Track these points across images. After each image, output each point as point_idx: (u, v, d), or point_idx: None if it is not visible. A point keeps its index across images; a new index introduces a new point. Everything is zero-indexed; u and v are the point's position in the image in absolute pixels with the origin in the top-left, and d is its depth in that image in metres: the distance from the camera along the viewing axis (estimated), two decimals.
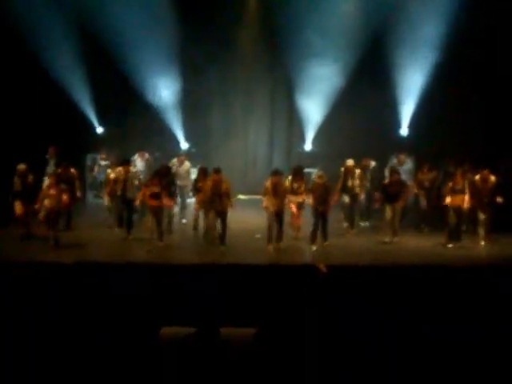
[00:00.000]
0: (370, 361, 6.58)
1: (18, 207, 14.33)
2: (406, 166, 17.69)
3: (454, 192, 14.26)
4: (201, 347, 6.50)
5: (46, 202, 13.59)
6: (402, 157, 17.74)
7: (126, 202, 14.67)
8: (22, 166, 14.52)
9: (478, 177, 14.68)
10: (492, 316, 8.09)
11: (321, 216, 14.11)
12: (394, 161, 18.17)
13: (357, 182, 15.75)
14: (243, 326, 7.14)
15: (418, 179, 16.24)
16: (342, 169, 15.80)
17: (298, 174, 14.70)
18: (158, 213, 13.90)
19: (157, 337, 6.87)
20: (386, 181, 15.23)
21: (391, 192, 14.67)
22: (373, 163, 17.13)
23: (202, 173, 14.91)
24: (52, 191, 13.66)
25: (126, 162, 15.16)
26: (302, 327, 7.00)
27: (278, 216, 13.94)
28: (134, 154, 18.26)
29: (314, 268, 9.94)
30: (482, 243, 14.57)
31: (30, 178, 14.56)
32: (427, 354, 6.79)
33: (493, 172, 14.78)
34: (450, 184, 14.39)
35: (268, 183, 13.91)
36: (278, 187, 13.83)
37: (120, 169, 14.88)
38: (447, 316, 8.08)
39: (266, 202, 13.86)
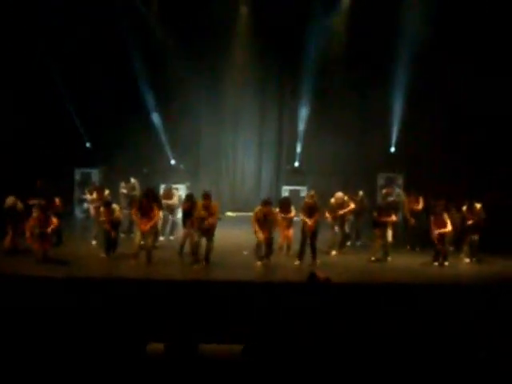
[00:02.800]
0: (366, 377, 6.56)
1: (7, 240, 14.48)
2: (391, 197, 17.76)
3: (435, 225, 14.47)
4: (183, 362, 6.48)
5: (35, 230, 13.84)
6: (388, 191, 17.92)
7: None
8: (9, 200, 14.56)
9: (464, 208, 15.00)
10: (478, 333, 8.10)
11: (309, 233, 14.13)
12: (383, 191, 18.42)
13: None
14: (230, 343, 7.12)
15: (408, 208, 16.39)
16: (333, 200, 15.76)
17: (284, 205, 14.76)
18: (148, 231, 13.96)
19: (143, 352, 6.83)
20: (375, 214, 15.26)
21: (381, 223, 14.87)
22: (361, 194, 16.99)
23: (190, 200, 14.75)
24: (39, 221, 13.92)
25: (108, 205, 15.04)
26: (290, 342, 6.98)
27: (267, 240, 13.98)
28: (122, 172, 18.36)
29: (312, 275, 9.89)
30: (467, 261, 14.84)
31: (19, 206, 14.68)
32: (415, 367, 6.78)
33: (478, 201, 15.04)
34: (432, 218, 14.63)
35: (259, 212, 13.93)
36: (267, 217, 13.88)
37: (102, 210, 14.81)
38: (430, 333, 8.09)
39: (256, 229, 13.91)
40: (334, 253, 15.52)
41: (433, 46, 19.31)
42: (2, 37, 19.18)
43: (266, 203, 14.05)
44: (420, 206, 16.32)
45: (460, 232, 15.22)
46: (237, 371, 6.49)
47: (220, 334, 7.84)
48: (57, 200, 15.50)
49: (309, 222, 14.07)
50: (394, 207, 16.22)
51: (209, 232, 13.73)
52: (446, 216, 14.54)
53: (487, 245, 14.89)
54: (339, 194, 15.71)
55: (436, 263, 14.42)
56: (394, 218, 15.05)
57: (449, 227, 14.44)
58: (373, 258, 14.71)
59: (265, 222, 13.86)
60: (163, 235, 16.57)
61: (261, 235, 13.84)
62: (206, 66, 21.30)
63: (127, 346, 7.05)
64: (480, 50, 19.16)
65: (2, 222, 14.59)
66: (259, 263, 13.82)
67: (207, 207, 13.70)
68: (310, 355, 6.76)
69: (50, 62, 20.01)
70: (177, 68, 20.83)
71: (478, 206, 14.91)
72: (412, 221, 16.15)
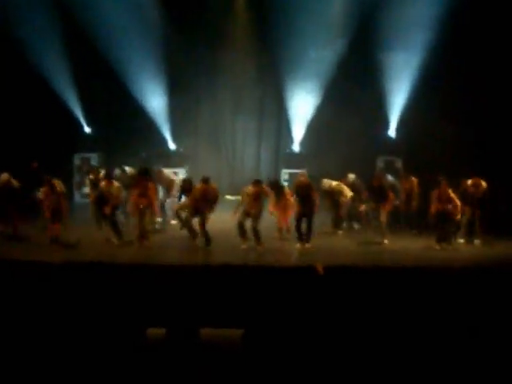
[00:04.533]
0: (364, 362, 6.57)
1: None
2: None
3: (439, 201, 14.17)
4: (184, 347, 6.49)
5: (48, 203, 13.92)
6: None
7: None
8: (3, 177, 14.58)
9: (470, 182, 14.70)
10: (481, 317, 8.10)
11: (305, 216, 14.02)
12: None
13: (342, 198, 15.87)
14: (231, 327, 7.13)
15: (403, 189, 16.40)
16: (326, 187, 15.81)
17: (274, 187, 14.65)
18: (142, 212, 13.93)
19: (143, 337, 6.84)
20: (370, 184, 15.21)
21: (375, 193, 14.83)
22: (351, 177, 16.94)
23: (188, 184, 14.82)
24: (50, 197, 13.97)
25: (109, 176, 15.00)
26: (291, 328, 6.99)
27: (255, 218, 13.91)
28: (121, 156, 18.37)
29: (311, 268, 9.91)
30: (477, 242, 14.72)
31: (15, 184, 14.71)
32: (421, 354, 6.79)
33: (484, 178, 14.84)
34: (436, 193, 14.25)
35: (249, 191, 13.86)
36: (259, 195, 13.85)
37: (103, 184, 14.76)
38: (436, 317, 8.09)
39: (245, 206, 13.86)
40: (340, 232, 15.83)
41: (437, 31, 19.21)
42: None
43: (257, 182, 13.96)
44: (408, 185, 16.24)
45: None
46: (237, 356, 6.51)
47: (220, 319, 7.86)
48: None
49: (304, 209, 13.96)
50: (390, 188, 16.02)
51: (202, 214, 13.75)
52: (450, 191, 14.09)
53: (492, 226, 14.76)
54: (330, 182, 15.79)
55: (438, 247, 14.20)
56: (389, 197, 14.85)
57: (457, 202, 13.97)
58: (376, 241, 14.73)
59: (256, 199, 13.75)
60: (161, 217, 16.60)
61: (253, 211, 13.73)
62: (205, 50, 21.26)
63: (127, 331, 7.07)
64: (487, 36, 19.01)
65: None
66: (244, 246, 13.82)
67: (206, 191, 13.72)
68: (309, 341, 6.77)
69: (49, 47, 19.88)
70: (176, 53, 20.81)
71: (484, 183, 14.64)
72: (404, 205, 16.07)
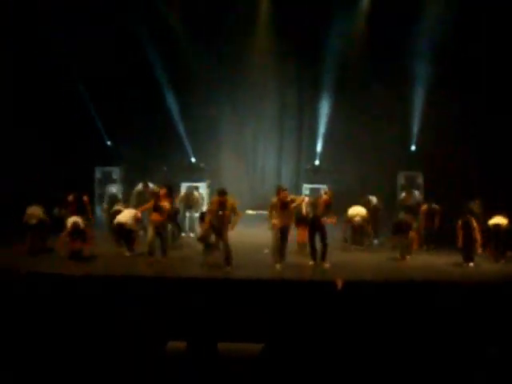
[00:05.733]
0: (384, 377, 6.53)
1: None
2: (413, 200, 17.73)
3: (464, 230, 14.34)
4: (204, 361, 6.48)
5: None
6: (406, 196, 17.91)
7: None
8: (36, 212, 14.87)
9: (492, 221, 14.84)
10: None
11: (318, 231, 13.85)
12: (402, 195, 18.30)
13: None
14: (250, 341, 7.11)
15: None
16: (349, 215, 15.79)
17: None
18: (159, 227, 13.95)
19: (163, 351, 6.84)
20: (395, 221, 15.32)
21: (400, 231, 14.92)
22: (374, 200, 16.98)
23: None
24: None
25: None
26: (310, 343, 6.96)
27: (284, 233, 13.65)
28: (142, 170, 18.51)
29: (331, 283, 9.87)
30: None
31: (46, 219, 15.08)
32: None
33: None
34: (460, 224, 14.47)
35: (275, 199, 13.64)
36: (285, 203, 13.53)
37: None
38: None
39: (273, 218, 13.57)
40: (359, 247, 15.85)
41: (457, 42, 19.20)
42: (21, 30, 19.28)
43: (281, 189, 13.71)
44: (410, 200, 16.56)
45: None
46: (256, 370, 6.49)
47: (240, 333, 7.84)
48: (85, 197, 15.82)
49: (328, 220, 13.90)
50: (412, 211, 16.17)
51: (222, 232, 13.37)
52: (475, 223, 14.40)
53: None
54: (356, 211, 15.75)
55: (466, 264, 14.27)
56: (413, 225, 14.98)
57: (477, 236, 14.29)
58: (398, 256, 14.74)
59: (283, 208, 13.47)
60: (184, 231, 16.69)
61: (276, 222, 13.44)
62: (226, 64, 21.33)
63: (148, 344, 7.07)
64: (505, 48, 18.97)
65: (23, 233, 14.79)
66: (278, 265, 13.50)
67: (222, 203, 13.32)
68: (329, 355, 6.74)
69: (70, 60, 20.03)
70: (198, 67, 20.90)
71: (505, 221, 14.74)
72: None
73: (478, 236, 14.27)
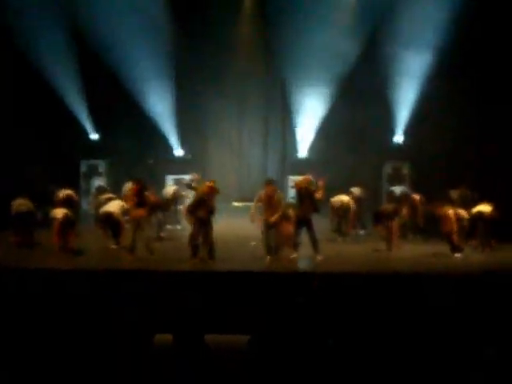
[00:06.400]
0: (371, 367, 6.58)
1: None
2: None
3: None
4: (191, 353, 6.51)
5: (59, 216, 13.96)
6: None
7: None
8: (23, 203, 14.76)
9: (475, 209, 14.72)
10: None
11: (305, 224, 13.52)
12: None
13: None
14: (237, 333, 7.14)
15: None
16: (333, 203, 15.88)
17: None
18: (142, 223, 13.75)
19: (150, 344, 6.86)
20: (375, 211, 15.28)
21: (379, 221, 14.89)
22: (356, 192, 16.98)
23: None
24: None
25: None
26: (296, 334, 7.00)
27: (271, 227, 13.39)
28: (128, 163, 18.43)
29: (309, 276, 9.93)
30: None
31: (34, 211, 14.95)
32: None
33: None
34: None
35: (262, 193, 13.40)
36: (271, 197, 13.30)
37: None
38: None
39: (258, 212, 13.38)
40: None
41: (451, 37, 19.21)
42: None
43: (270, 182, 13.51)
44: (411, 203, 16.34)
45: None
46: (243, 362, 6.52)
47: (226, 325, 7.87)
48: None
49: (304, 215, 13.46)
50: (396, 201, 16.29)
51: (207, 223, 13.12)
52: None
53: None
54: (340, 200, 15.85)
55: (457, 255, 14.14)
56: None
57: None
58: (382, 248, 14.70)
59: (269, 202, 13.22)
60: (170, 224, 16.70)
61: (255, 219, 13.29)
62: (211, 55, 21.30)
63: (135, 337, 7.09)
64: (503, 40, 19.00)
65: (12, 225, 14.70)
66: (268, 258, 13.25)
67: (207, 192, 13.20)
68: (315, 347, 6.78)
69: (56, 53, 19.93)
70: (183, 58, 20.83)
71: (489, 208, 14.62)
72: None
73: (452, 226, 14.04)
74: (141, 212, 13.64)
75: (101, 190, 17.39)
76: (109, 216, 14.35)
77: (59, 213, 14.04)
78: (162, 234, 15.90)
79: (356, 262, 13.42)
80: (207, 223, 13.13)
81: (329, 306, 8.53)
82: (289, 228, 13.98)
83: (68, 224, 13.97)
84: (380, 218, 14.78)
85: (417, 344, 7.08)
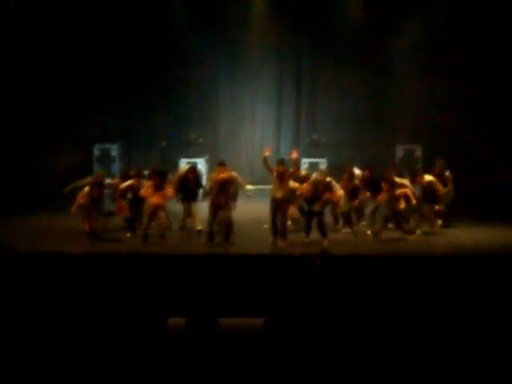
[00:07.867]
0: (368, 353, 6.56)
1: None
2: None
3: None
4: (205, 337, 6.50)
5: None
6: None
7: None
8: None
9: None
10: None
11: (316, 215, 13.55)
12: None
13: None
14: (252, 316, 7.13)
15: None
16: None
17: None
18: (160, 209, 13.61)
19: (164, 327, 6.86)
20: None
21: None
22: (356, 171, 16.39)
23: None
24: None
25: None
26: (311, 317, 6.99)
27: (280, 206, 13.36)
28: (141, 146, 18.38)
29: (311, 259, 9.89)
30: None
31: None
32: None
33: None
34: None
35: (274, 173, 13.39)
36: (282, 176, 13.30)
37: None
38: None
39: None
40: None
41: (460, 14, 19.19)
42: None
43: (282, 163, 13.53)
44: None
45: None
46: (258, 345, 6.51)
47: (241, 308, 7.86)
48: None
49: (314, 207, 13.45)
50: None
51: (224, 207, 13.31)
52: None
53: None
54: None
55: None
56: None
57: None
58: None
59: (281, 181, 13.24)
60: None
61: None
62: (223, 39, 21.26)
63: (148, 320, 7.09)
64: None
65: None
66: (279, 241, 13.30)
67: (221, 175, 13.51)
68: (330, 329, 6.76)
69: (69, 38, 19.85)
70: (196, 42, 20.77)
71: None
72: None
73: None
74: (158, 199, 13.53)
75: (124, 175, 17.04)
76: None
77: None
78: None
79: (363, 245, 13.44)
80: (223, 208, 13.27)
81: (342, 287, 8.52)
82: (293, 210, 14.25)
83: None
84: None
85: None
